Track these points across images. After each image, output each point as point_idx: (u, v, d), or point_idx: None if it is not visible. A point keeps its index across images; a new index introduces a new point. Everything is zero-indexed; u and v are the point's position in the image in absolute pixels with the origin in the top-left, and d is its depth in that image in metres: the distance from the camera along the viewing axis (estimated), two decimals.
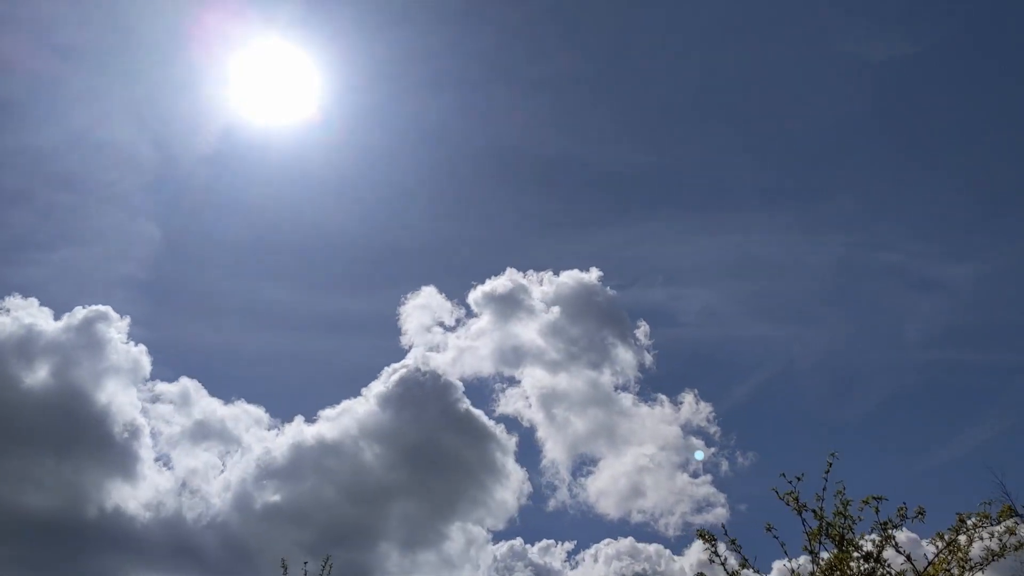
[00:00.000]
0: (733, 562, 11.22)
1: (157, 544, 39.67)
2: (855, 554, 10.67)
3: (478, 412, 46.29)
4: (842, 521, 10.90)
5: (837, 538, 10.85)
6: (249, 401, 52.86)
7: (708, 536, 11.44)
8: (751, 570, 11.19)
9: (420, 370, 46.47)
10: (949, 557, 10.62)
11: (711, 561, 11.40)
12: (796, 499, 11.04)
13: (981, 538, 10.53)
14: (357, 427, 44.95)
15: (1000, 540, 10.46)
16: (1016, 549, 10.42)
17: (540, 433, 49.09)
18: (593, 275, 49.66)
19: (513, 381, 49.31)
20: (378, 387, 45.93)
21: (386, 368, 46.61)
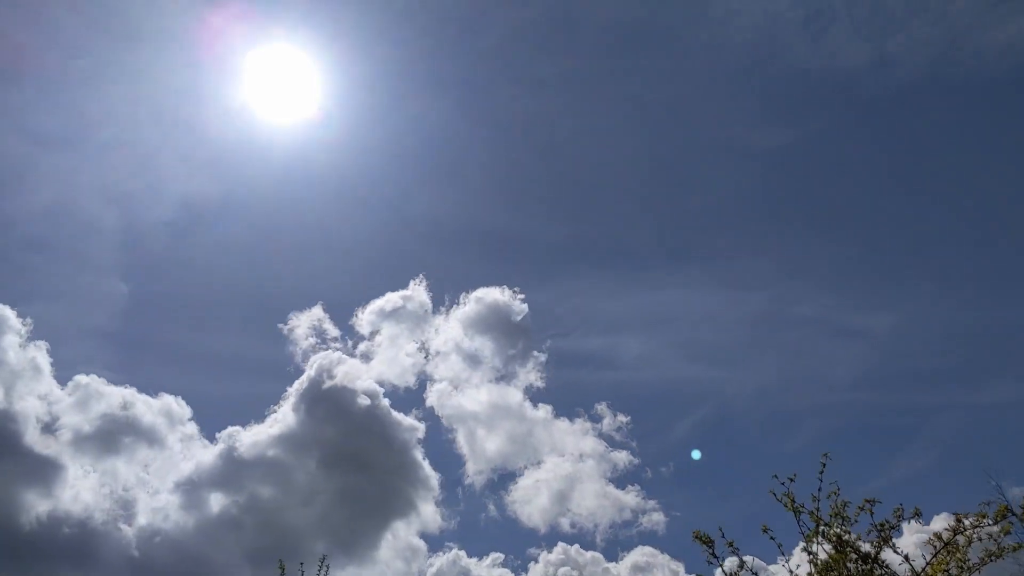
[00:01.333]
0: (733, 563, 11.20)
1: (86, 554, 39.72)
2: (852, 555, 10.65)
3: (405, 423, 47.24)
4: (839, 522, 10.87)
5: (834, 540, 10.83)
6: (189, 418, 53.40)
7: (704, 538, 11.42)
8: (750, 571, 11.17)
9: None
10: (947, 558, 10.59)
11: (708, 563, 11.39)
12: (792, 500, 11.02)
13: (979, 539, 10.50)
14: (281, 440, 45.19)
15: (997, 541, 10.43)
16: (1014, 550, 10.39)
17: (463, 448, 51.14)
18: (507, 294, 51.28)
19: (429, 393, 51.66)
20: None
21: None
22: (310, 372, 48.38)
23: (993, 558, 10.47)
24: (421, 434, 48.39)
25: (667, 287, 56.90)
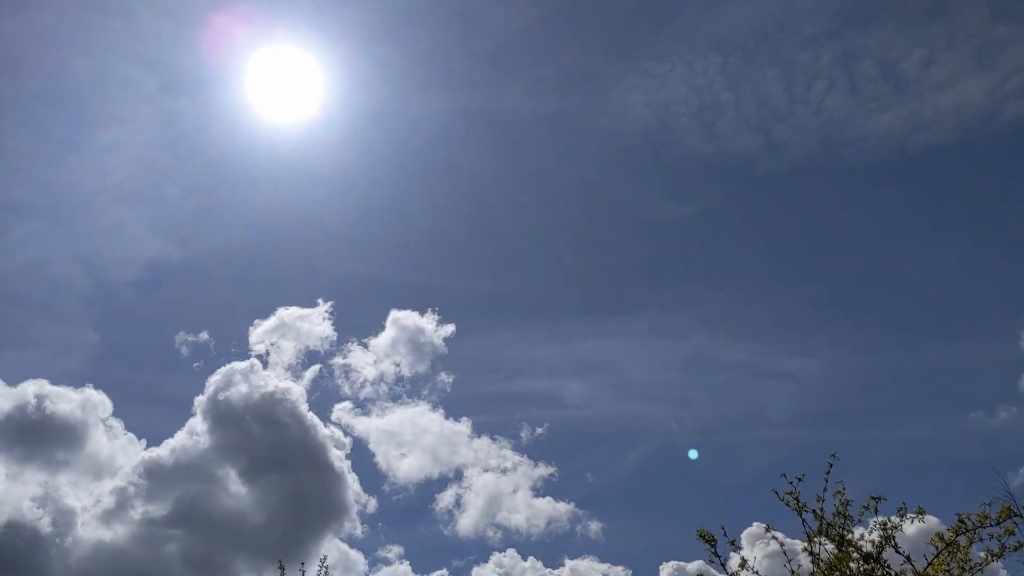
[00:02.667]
0: (733, 563, 11.21)
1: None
2: (855, 555, 10.66)
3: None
4: (842, 521, 10.88)
5: (837, 539, 10.83)
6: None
7: (708, 537, 11.42)
8: (750, 571, 11.17)
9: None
10: (948, 558, 10.61)
11: (710, 562, 11.38)
12: (796, 499, 11.03)
13: (981, 539, 10.52)
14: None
15: (999, 541, 10.45)
16: (1015, 550, 10.41)
17: (387, 462, 52.63)
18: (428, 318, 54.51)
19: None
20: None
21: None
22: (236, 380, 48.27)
23: (994, 558, 10.49)
24: (346, 449, 49.02)
25: (596, 338, 64.75)
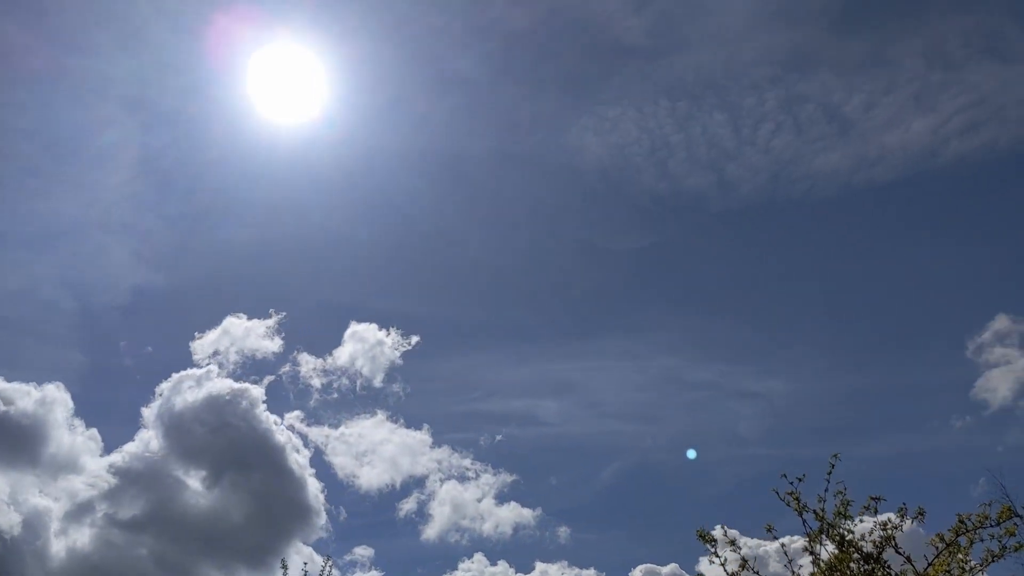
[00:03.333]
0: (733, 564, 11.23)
1: None
2: (855, 555, 10.67)
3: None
4: (842, 522, 10.90)
5: (837, 539, 10.85)
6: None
7: (708, 537, 11.45)
8: (751, 571, 11.20)
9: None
10: (949, 559, 10.62)
11: (710, 562, 11.42)
12: (797, 499, 11.05)
13: (981, 539, 10.53)
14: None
15: (999, 542, 10.45)
16: (1016, 550, 10.41)
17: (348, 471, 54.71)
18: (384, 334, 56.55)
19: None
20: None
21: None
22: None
23: (994, 559, 10.50)
24: (305, 454, 49.65)
25: (565, 360, 68.01)
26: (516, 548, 54.74)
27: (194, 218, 70.28)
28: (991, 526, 10.46)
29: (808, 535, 11.08)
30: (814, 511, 10.99)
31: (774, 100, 61.16)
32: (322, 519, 48.19)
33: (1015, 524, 10.34)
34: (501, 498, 55.30)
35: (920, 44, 59.11)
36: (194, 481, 46.27)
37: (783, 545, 11.44)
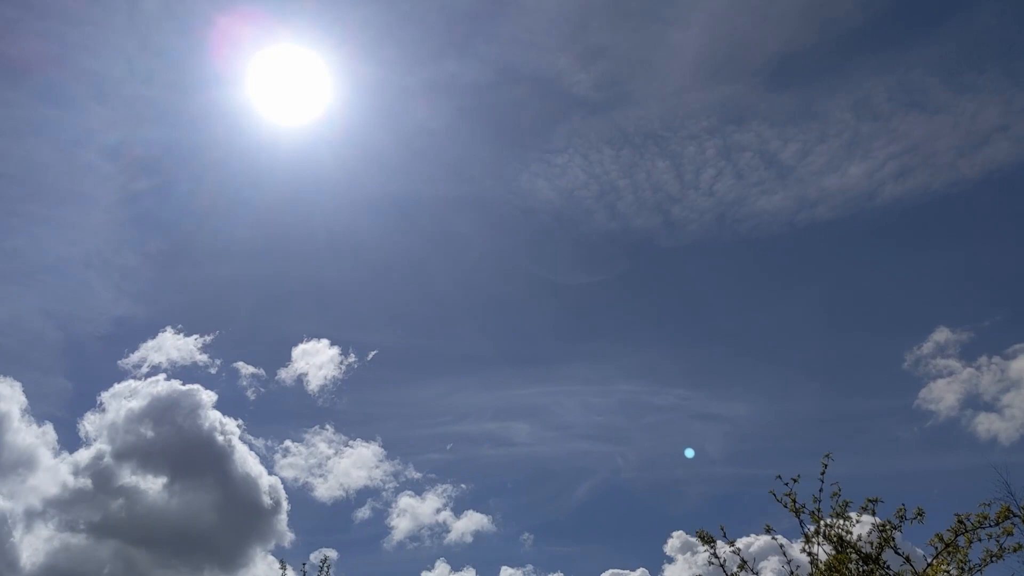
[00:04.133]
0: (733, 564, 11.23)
1: None
2: (853, 556, 10.65)
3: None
4: (840, 523, 10.87)
5: (835, 540, 10.83)
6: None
7: (707, 537, 11.45)
8: (750, 572, 11.20)
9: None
10: (948, 559, 10.58)
11: (710, 563, 11.41)
12: (794, 500, 11.03)
13: (980, 539, 10.48)
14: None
15: (998, 542, 10.41)
16: (1015, 551, 10.37)
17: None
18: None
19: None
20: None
21: None
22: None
23: (993, 559, 10.46)
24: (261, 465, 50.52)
25: (531, 386, 71.80)
26: (480, 555, 56.82)
27: (174, 255, 74.06)
28: (990, 526, 10.43)
29: (805, 536, 11.07)
30: (810, 512, 10.98)
31: (713, 149, 65.54)
32: (281, 525, 48.33)
33: (1013, 524, 10.30)
34: (458, 509, 58.33)
35: (847, 99, 62.81)
36: (149, 485, 46.22)
37: (782, 546, 11.43)
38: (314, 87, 63.86)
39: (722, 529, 11.58)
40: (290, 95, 65.56)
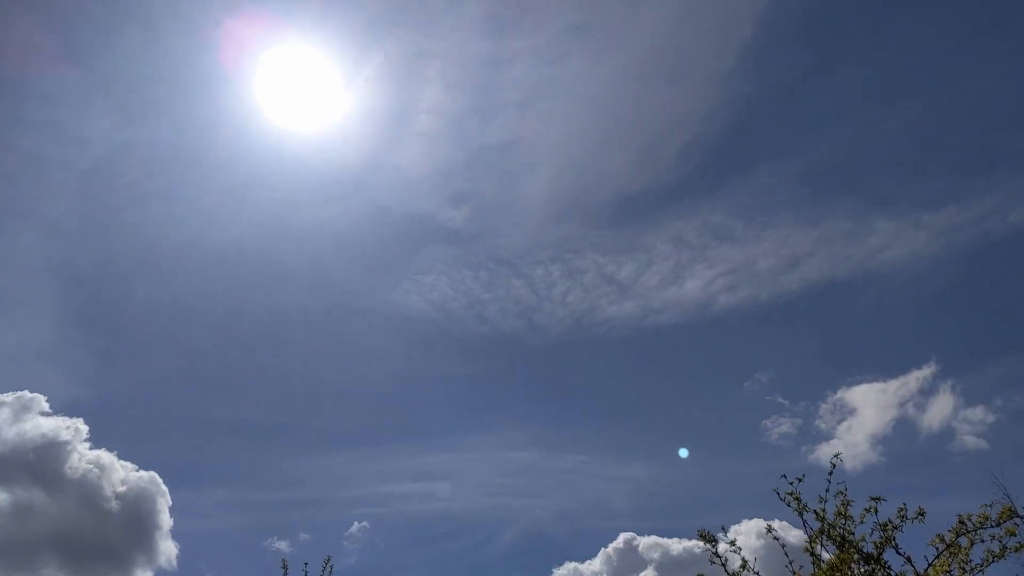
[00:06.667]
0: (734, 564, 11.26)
1: None
2: (856, 556, 10.68)
3: None
4: (843, 523, 10.91)
5: (838, 540, 10.86)
6: None
7: (708, 536, 11.48)
8: (751, 571, 11.23)
9: None
10: (949, 559, 10.62)
11: (711, 562, 11.44)
12: (798, 500, 11.06)
13: (982, 540, 10.52)
14: None
15: (1000, 542, 10.45)
16: (1016, 551, 10.41)
17: None
18: None
19: None
20: None
21: None
22: None
23: (995, 559, 10.50)
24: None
25: (435, 453, 79.69)
26: None
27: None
28: (992, 526, 10.47)
29: (809, 536, 11.10)
30: (815, 511, 11.01)
31: (558, 271, 78.75)
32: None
33: (1015, 524, 10.34)
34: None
35: (666, 235, 77.64)
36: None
37: (783, 546, 11.46)
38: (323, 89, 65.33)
39: (723, 528, 11.62)
40: (298, 96, 67.41)
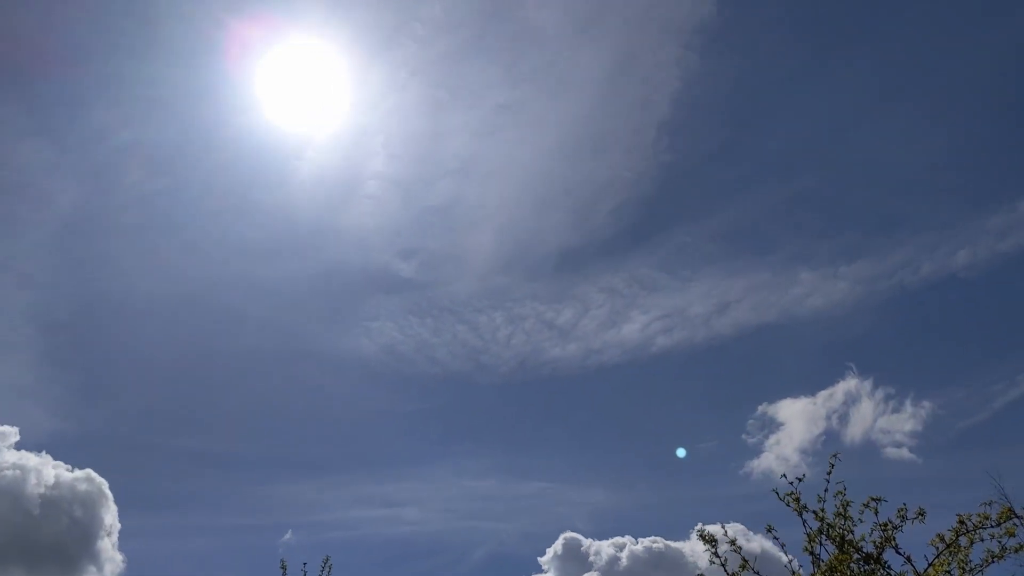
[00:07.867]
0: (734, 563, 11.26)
1: None
2: (855, 555, 10.67)
3: None
4: (842, 522, 10.90)
5: (837, 539, 10.85)
6: None
7: (708, 537, 11.47)
8: (752, 571, 11.22)
9: None
10: (949, 559, 10.62)
11: (711, 562, 11.43)
12: (797, 500, 11.05)
13: (981, 539, 10.51)
14: None
15: (1000, 542, 10.44)
16: (1016, 551, 10.41)
17: None
18: None
19: None
20: None
21: None
22: None
23: (994, 559, 10.49)
24: None
25: (398, 481, 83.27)
26: None
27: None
28: (991, 527, 10.46)
29: (808, 535, 11.09)
30: (814, 511, 11.00)
31: (500, 317, 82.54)
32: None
33: (1015, 524, 10.34)
34: None
35: (596, 287, 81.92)
36: None
37: (785, 550, 11.46)
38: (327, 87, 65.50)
39: (723, 527, 11.61)
40: (301, 96, 67.71)
